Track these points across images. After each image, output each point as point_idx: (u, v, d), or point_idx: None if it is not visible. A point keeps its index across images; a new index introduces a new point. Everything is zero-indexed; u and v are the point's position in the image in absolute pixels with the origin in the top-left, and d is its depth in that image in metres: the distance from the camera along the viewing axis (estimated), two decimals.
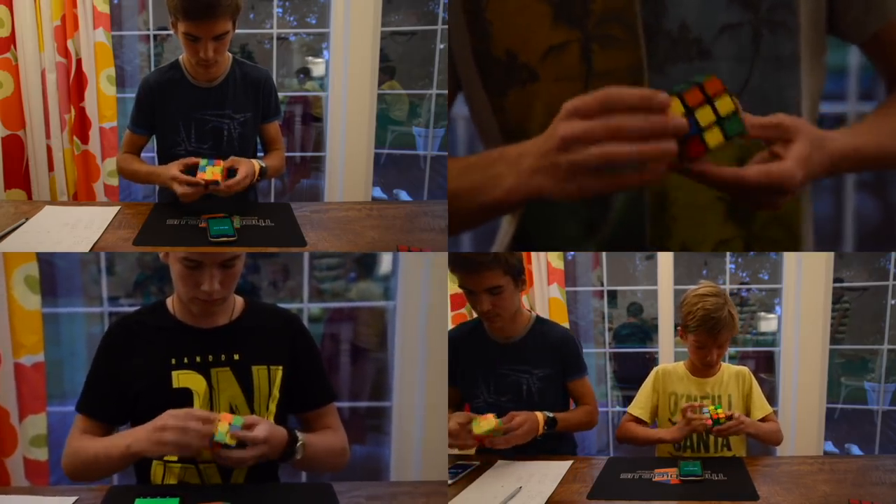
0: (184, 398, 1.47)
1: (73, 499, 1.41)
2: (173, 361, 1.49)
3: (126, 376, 1.50)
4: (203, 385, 1.49)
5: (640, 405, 2.24)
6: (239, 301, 1.57)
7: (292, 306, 2.58)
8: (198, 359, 1.49)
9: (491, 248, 1.34)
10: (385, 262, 2.85)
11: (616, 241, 1.07)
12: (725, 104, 0.91)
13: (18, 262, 2.37)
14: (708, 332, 2.12)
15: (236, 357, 1.50)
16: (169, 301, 1.56)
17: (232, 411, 1.47)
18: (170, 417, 1.34)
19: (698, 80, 0.90)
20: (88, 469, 1.45)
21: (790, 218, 1.09)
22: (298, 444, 1.43)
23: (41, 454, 2.43)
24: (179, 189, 2.03)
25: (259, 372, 1.52)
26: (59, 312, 2.80)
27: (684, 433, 2.07)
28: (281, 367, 1.53)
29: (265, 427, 1.38)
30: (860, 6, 1.06)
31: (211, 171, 2.02)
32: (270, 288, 3.10)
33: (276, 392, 1.52)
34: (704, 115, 0.90)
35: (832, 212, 2.34)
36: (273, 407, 1.52)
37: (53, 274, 2.87)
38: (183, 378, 1.48)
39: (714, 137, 0.90)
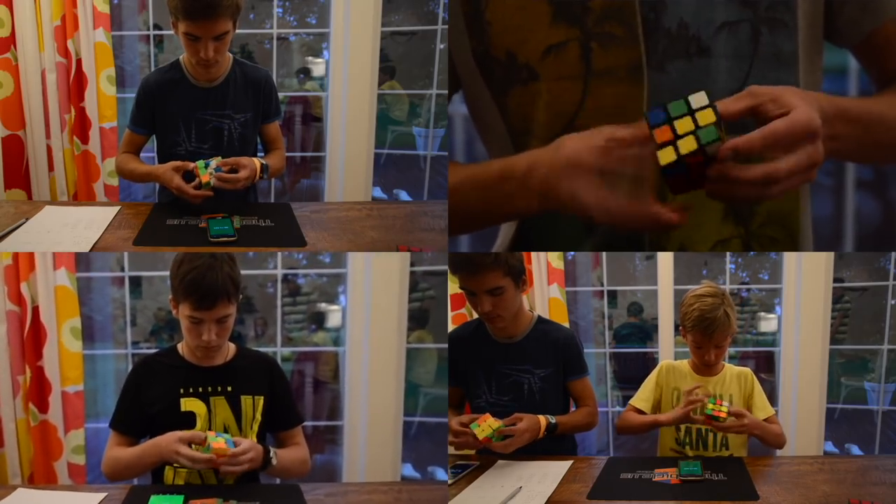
0: (189, 419, 1.86)
1: (104, 495, 1.75)
2: (182, 391, 1.89)
3: (146, 401, 1.90)
4: (204, 409, 1.88)
5: (642, 398, 2.24)
6: (231, 347, 1.97)
7: (270, 350, 3.40)
8: (200, 389, 1.90)
9: (491, 248, 1.35)
10: (335, 317, 3.88)
11: (615, 242, 1.08)
12: (706, 116, 0.92)
13: (66, 317, 2.98)
14: (703, 333, 2.13)
15: (229, 389, 1.91)
16: (180, 346, 1.96)
17: (225, 430, 1.87)
18: (177, 454, 1.73)
19: (688, 98, 0.93)
20: (121, 473, 1.85)
21: (788, 217, 1.08)
22: (271, 454, 1.83)
23: (80, 460, 3.00)
24: (176, 186, 2.03)
25: (246, 400, 1.91)
26: (95, 353, 3.60)
27: (684, 413, 2.06)
28: (263, 397, 1.93)
29: (248, 443, 1.78)
30: (856, 6, 1.04)
31: (209, 173, 2.02)
32: (254, 336, 4.15)
33: (258, 416, 1.92)
34: (683, 125, 0.92)
35: (832, 212, 2.31)
36: (256, 427, 1.91)
37: (92, 325, 3.69)
38: (188, 403, 1.88)
39: (687, 145, 0.91)
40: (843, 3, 1.04)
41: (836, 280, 3.58)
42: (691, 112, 0.93)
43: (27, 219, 2.05)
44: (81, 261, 3.29)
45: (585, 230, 1.07)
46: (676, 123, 0.92)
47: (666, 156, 0.92)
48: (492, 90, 1.06)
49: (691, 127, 0.92)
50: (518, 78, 1.03)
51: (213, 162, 2.04)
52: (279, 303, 3.61)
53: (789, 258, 3.44)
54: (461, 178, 1.03)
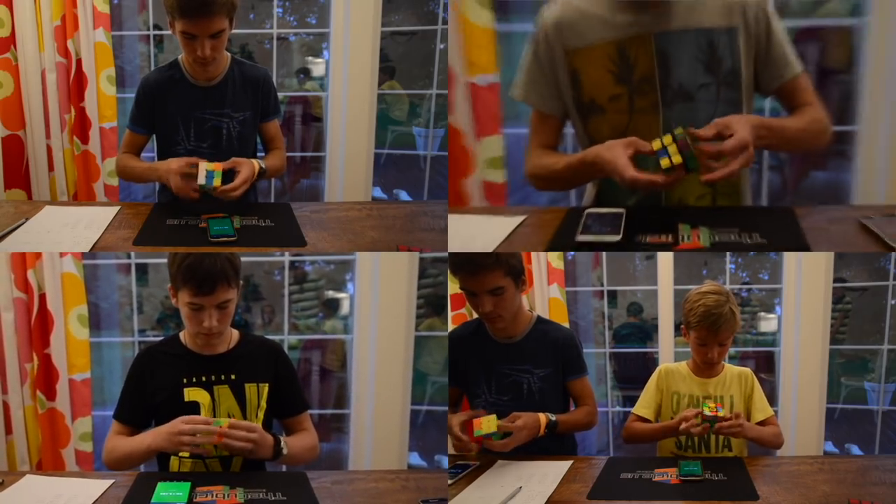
0: (193, 409, 1.87)
1: (111, 482, 1.77)
2: (185, 380, 1.89)
3: (150, 391, 1.91)
4: (207, 398, 1.89)
5: (644, 405, 2.24)
6: (235, 333, 1.96)
7: (276, 337, 3.32)
8: (203, 378, 1.89)
9: (582, 200, 1.95)
10: (345, 305, 3.83)
11: (644, 200, 1.78)
12: (678, 138, 1.56)
13: (73, 305, 2.99)
14: (709, 329, 2.12)
15: (233, 377, 1.91)
16: (182, 334, 1.95)
17: (229, 418, 1.83)
18: (180, 424, 1.74)
19: (678, 131, 1.55)
20: (121, 462, 1.86)
21: (735, 184, 1.80)
22: (282, 444, 1.83)
23: (88, 447, 3.07)
24: (175, 181, 2.03)
25: (251, 388, 1.91)
26: (101, 341, 3.62)
27: (684, 425, 2.05)
28: (267, 384, 1.93)
29: (261, 433, 1.78)
30: (770, 72, 1.72)
31: (212, 171, 2.03)
32: (261, 324, 4.10)
33: (263, 404, 1.92)
34: (672, 149, 1.54)
35: (756, 180, 2.65)
36: (261, 415, 1.91)
37: (98, 313, 3.68)
38: (192, 393, 1.88)
39: (675, 158, 1.54)
40: (763, 71, 1.72)
41: (836, 280, 3.58)
42: (674, 139, 1.54)
43: (27, 219, 2.05)
44: None
45: (629, 193, 1.74)
46: (668, 147, 1.53)
47: (664, 163, 1.56)
48: (581, 117, 1.78)
49: (675, 149, 1.54)
50: (594, 112, 1.75)
51: (214, 181, 2.03)
52: (286, 290, 3.58)
53: (789, 258, 3.45)
54: (551, 162, 1.78)
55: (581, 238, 1.53)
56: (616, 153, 1.53)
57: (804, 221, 1.58)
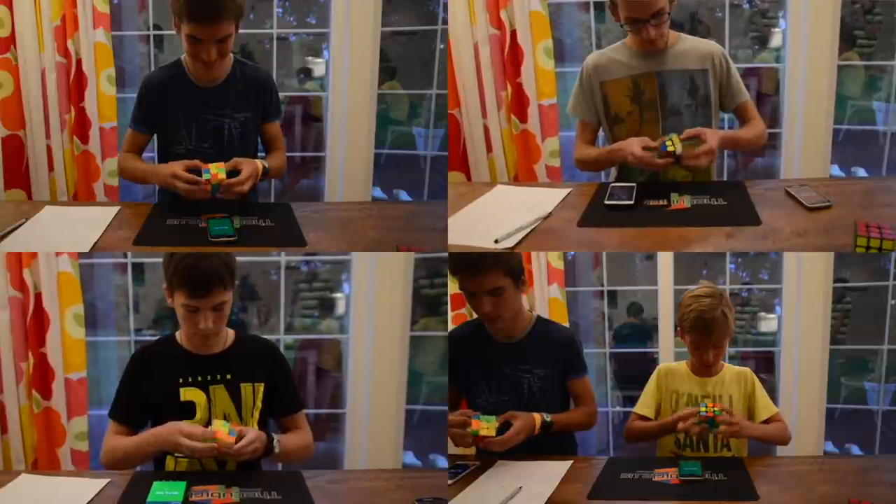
0: (188, 408, 1.88)
1: (107, 481, 1.79)
2: (181, 380, 1.89)
3: (145, 391, 1.92)
4: (203, 398, 1.89)
5: (645, 404, 2.24)
6: (231, 333, 1.97)
7: (272, 337, 3.26)
8: (199, 378, 1.90)
9: (610, 176, 2.59)
10: (341, 305, 3.88)
11: (649, 177, 2.36)
12: (676, 141, 2.16)
13: (68, 304, 2.98)
14: (701, 333, 2.13)
15: (229, 377, 1.91)
16: (178, 334, 1.96)
17: (225, 418, 1.86)
18: (181, 437, 1.76)
19: (671, 136, 2.17)
20: (120, 462, 1.87)
21: (708, 168, 2.32)
22: (275, 442, 1.85)
23: (83, 446, 3.06)
24: (182, 186, 2.03)
25: (246, 388, 1.92)
26: (97, 340, 3.58)
27: (685, 421, 2.05)
28: (263, 384, 1.94)
29: (253, 434, 1.80)
30: (729, 97, 2.36)
31: (215, 167, 2.03)
32: (257, 324, 4.12)
33: (258, 403, 1.93)
34: (670, 144, 2.15)
35: (719, 165, 3.01)
36: (257, 415, 1.92)
37: (94, 312, 3.68)
38: (188, 393, 1.89)
39: (671, 148, 2.16)
40: (725, 97, 2.36)
41: (836, 280, 3.58)
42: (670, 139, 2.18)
43: (27, 219, 2.05)
44: None
45: (638, 172, 2.33)
46: (666, 142, 2.16)
47: (669, 146, 2.17)
48: (609, 125, 2.41)
49: (671, 145, 2.16)
50: (617, 122, 2.38)
51: (220, 176, 2.04)
52: (282, 290, 3.61)
53: (789, 258, 3.44)
54: (590, 152, 2.43)
55: (608, 202, 2.12)
56: (631, 144, 2.19)
57: (751, 190, 2.18)
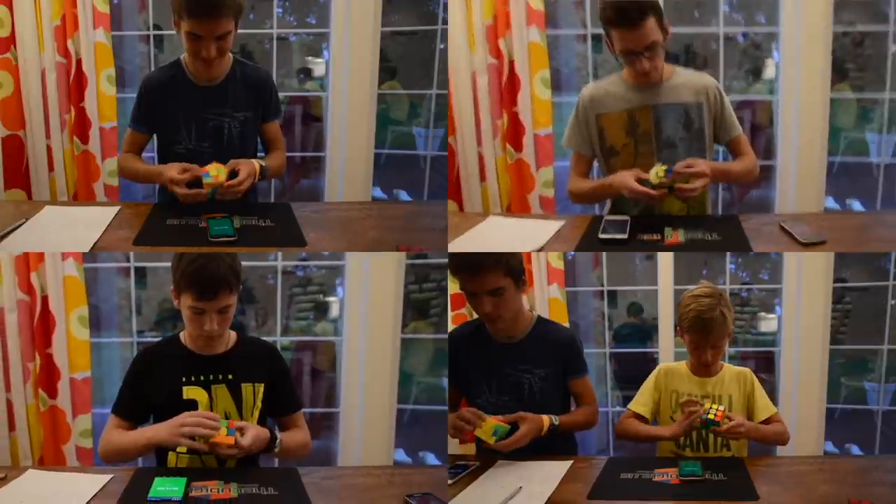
0: (191, 407, 1.91)
1: (110, 476, 1.83)
2: (184, 379, 1.93)
3: (149, 390, 1.95)
4: (205, 397, 1.93)
5: (641, 402, 2.24)
6: (233, 335, 2.01)
7: (269, 339, 3.31)
8: (202, 377, 1.94)
9: (604, 209, 2.50)
10: (335, 308, 3.93)
11: (642, 211, 2.35)
12: (658, 173, 2.16)
13: (74, 306, 3.05)
14: (700, 333, 2.13)
15: (230, 377, 1.95)
16: (182, 335, 2.00)
17: (226, 417, 1.90)
18: (187, 416, 1.82)
19: (664, 166, 2.17)
20: (117, 454, 1.91)
21: (699, 198, 2.32)
22: (277, 440, 1.91)
23: (88, 443, 3.13)
24: (180, 192, 2.04)
25: (247, 388, 1.96)
26: (101, 342, 3.64)
27: (684, 428, 2.07)
28: (263, 384, 1.98)
29: (254, 430, 1.84)
30: (722, 131, 2.37)
31: (215, 169, 2.03)
32: (255, 326, 4.20)
33: (258, 403, 1.97)
34: (656, 176, 2.16)
35: (714, 196, 3.01)
36: (256, 414, 1.97)
37: (98, 314, 3.73)
38: (190, 392, 1.93)
39: (660, 183, 2.17)
40: (718, 130, 2.37)
41: (836, 280, 3.58)
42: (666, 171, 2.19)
43: (27, 219, 2.05)
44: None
45: (632, 205, 2.33)
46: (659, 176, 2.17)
47: (658, 180, 2.19)
48: (604, 157, 2.39)
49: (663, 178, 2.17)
50: (612, 154, 2.36)
51: (219, 178, 2.04)
52: (279, 293, 3.65)
53: (789, 258, 3.45)
54: (584, 185, 2.44)
55: (602, 236, 2.13)
56: (625, 177, 2.21)
57: (745, 224, 2.20)
